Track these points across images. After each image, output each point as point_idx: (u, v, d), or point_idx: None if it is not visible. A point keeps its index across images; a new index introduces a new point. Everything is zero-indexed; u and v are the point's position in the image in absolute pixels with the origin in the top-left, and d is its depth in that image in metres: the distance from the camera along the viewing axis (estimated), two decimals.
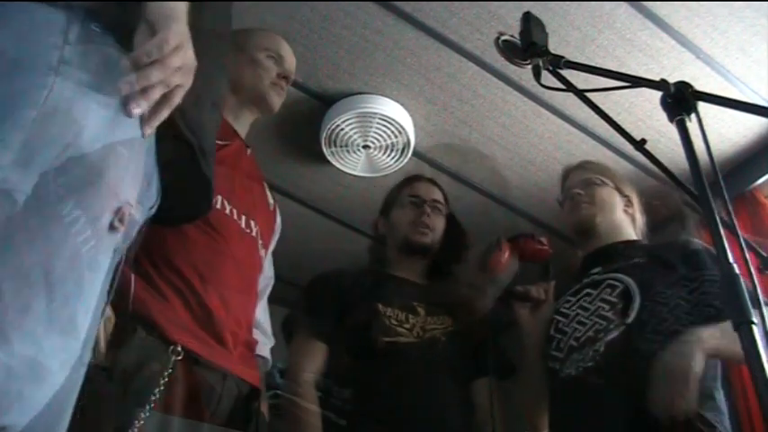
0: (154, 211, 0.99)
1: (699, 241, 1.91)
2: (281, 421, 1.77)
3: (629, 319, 1.73)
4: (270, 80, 1.77)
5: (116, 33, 0.84)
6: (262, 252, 1.70)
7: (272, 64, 1.79)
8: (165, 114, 0.85)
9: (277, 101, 1.79)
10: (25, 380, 0.70)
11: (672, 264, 1.81)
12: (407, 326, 1.90)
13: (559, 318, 1.88)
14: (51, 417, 0.83)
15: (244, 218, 1.62)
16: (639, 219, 2.07)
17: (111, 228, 0.79)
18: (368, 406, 1.79)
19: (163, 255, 1.45)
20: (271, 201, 1.82)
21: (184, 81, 0.85)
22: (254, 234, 1.65)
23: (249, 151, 1.76)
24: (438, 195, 2.17)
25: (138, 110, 0.79)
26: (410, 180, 2.22)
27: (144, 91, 0.80)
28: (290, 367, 1.76)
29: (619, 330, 1.73)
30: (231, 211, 1.59)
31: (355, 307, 1.92)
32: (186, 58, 0.84)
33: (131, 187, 0.83)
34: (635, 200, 2.08)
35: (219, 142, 1.62)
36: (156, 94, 0.81)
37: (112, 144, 0.80)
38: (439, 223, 2.11)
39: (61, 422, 0.87)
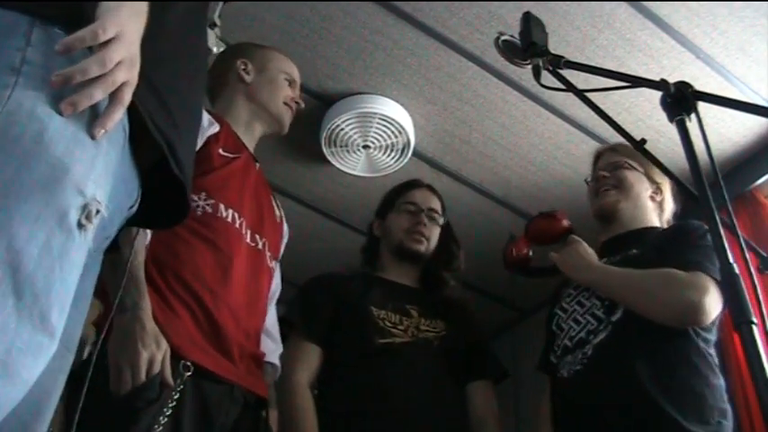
0: (135, 210, 0.98)
1: (697, 222, 1.81)
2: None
3: (615, 317, 1.71)
4: (285, 102, 1.87)
5: None
6: (272, 264, 1.74)
7: (288, 87, 1.89)
8: (117, 114, 0.83)
9: (288, 122, 1.91)
10: None
11: (663, 250, 1.76)
12: (401, 327, 1.90)
13: (560, 313, 1.86)
14: (28, 415, 0.83)
15: (249, 231, 1.65)
16: (668, 208, 1.99)
17: (80, 225, 0.78)
18: (365, 406, 1.78)
19: (172, 268, 1.48)
20: (278, 212, 1.85)
21: (129, 77, 0.83)
22: (260, 247, 1.68)
23: (258, 166, 1.80)
24: (435, 204, 2.14)
25: (71, 108, 0.77)
26: (408, 186, 2.20)
27: (82, 87, 0.78)
28: (284, 370, 1.76)
29: (607, 331, 1.70)
30: (240, 224, 1.62)
31: (349, 310, 1.93)
32: (127, 51, 0.82)
33: (99, 185, 0.81)
34: (666, 187, 1.99)
35: (229, 155, 1.67)
36: (98, 93, 0.80)
37: (78, 141, 0.79)
38: (434, 232, 2.10)
39: (40, 421, 0.87)
